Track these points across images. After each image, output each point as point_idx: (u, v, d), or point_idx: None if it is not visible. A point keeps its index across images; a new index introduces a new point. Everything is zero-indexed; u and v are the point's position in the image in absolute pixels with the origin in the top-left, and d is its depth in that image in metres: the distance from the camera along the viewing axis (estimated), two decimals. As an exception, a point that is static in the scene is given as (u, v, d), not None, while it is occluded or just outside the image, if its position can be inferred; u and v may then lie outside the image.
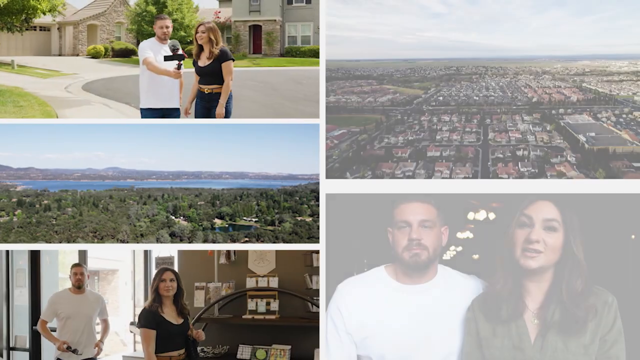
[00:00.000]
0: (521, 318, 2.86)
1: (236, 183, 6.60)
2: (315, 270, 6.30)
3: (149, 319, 4.98)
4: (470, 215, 8.57)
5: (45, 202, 6.32)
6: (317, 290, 6.11)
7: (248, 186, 6.57)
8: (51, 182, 6.47)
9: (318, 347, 5.79)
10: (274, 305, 6.41)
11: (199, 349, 5.90)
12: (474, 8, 5.58)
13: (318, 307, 6.03)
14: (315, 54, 11.16)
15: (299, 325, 6.24)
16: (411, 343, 3.05)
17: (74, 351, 6.02)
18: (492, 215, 8.32)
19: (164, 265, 6.39)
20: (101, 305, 6.42)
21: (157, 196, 6.54)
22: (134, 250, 8.93)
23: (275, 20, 11.97)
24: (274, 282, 6.52)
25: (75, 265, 6.35)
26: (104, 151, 6.35)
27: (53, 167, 6.45)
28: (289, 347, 6.27)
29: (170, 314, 5.08)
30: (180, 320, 5.14)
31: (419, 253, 3.03)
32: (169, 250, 7.59)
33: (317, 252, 6.10)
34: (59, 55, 12.19)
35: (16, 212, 6.14)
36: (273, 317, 6.37)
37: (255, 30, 12.17)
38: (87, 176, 6.55)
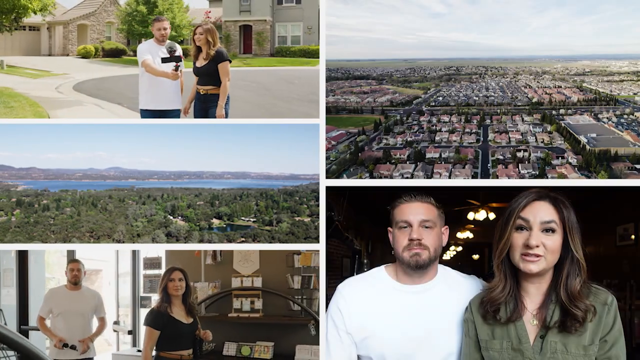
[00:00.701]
0: (520, 319, 2.83)
1: (238, 183, 6.61)
2: (297, 271, 6.57)
3: (156, 319, 5.00)
4: (470, 215, 8.59)
5: (45, 202, 6.29)
6: (299, 290, 6.45)
7: (249, 186, 6.60)
8: (52, 182, 6.43)
9: (299, 343, 6.11)
10: (258, 304, 6.63)
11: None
12: (474, 8, 5.59)
13: (300, 306, 6.25)
14: (305, 54, 11.17)
15: (282, 322, 6.51)
16: (411, 343, 3.01)
17: (72, 347, 5.98)
18: (492, 215, 8.34)
19: (159, 264, 6.40)
20: (97, 301, 6.36)
21: (156, 196, 6.54)
22: (117, 250, 8.88)
23: (265, 20, 11.93)
24: (258, 282, 6.71)
25: (71, 261, 6.30)
26: (105, 151, 6.34)
27: (55, 167, 6.42)
28: (272, 343, 6.48)
29: (179, 313, 5.10)
30: (190, 320, 5.16)
31: (420, 253, 2.99)
32: (157, 250, 7.60)
33: (299, 253, 6.22)
34: (49, 55, 12.07)
35: (14, 212, 6.11)
36: (257, 315, 6.61)
37: (246, 30, 12.13)
38: (89, 176, 6.52)
